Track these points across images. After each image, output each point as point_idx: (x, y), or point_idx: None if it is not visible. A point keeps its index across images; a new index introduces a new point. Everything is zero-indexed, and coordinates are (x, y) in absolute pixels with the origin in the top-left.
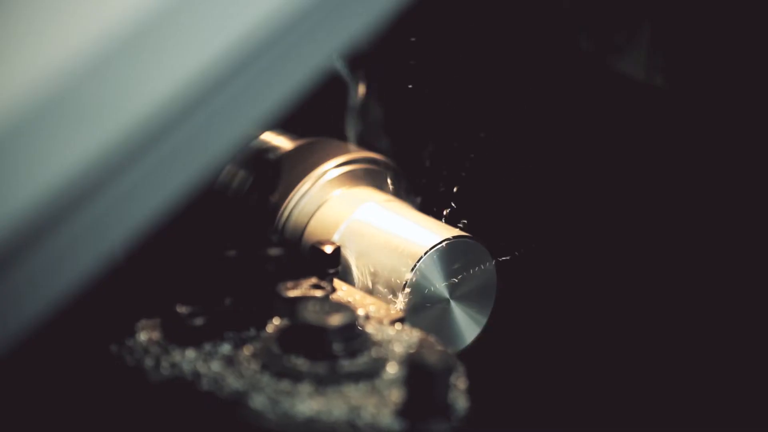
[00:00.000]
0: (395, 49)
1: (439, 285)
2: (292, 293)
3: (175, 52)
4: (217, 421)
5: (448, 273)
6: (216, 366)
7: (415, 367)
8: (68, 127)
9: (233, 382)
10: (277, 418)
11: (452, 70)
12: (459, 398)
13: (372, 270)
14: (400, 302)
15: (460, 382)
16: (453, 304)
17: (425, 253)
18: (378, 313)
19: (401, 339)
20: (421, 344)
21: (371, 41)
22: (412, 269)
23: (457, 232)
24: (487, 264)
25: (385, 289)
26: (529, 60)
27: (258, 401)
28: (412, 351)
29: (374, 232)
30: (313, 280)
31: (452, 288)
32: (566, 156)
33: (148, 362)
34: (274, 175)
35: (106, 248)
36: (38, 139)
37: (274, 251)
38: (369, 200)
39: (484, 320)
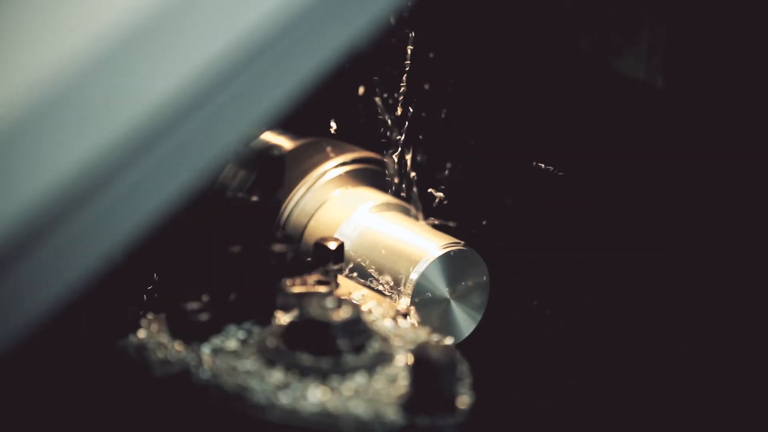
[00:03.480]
0: (395, 49)
1: (441, 287)
2: (297, 289)
3: (175, 52)
4: (222, 416)
5: (448, 276)
6: (221, 361)
7: (419, 361)
8: (68, 126)
9: (238, 377)
10: (281, 413)
11: (452, 69)
12: (462, 393)
13: (375, 270)
14: (405, 302)
15: (463, 378)
16: (452, 303)
17: (431, 261)
18: (382, 309)
19: (405, 334)
20: (425, 339)
21: (371, 41)
22: (419, 274)
23: (453, 240)
24: (482, 268)
25: (390, 290)
26: (529, 60)
27: (263, 396)
28: (416, 346)
29: (375, 233)
30: (317, 276)
31: (452, 289)
32: (566, 156)
33: (154, 357)
34: (275, 174)
35: (106, 248)
36: (39, 138)
37: (278, 247)
38: (369, 200)
39: (479, 316)
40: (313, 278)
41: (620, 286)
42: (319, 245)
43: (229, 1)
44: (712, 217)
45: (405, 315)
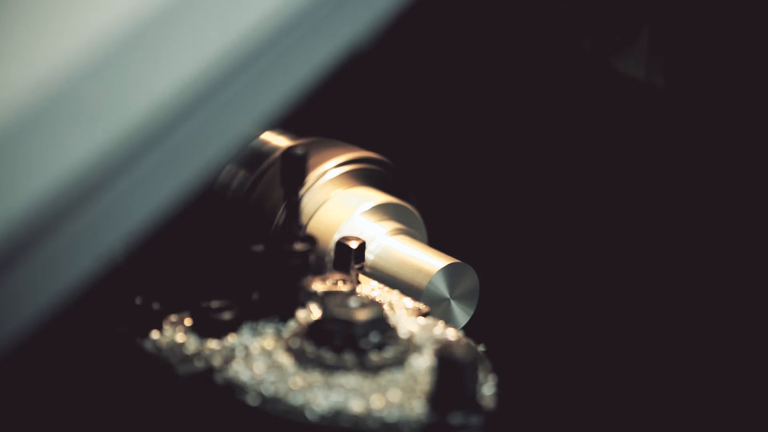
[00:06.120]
0: (395, 49)
1: (443, 290)
2: (319, 288)
3: (175, 52)
4: (245, 413)
5: (448, 282)
6: (244, 360)
7: (443, 359)
8: (68, 127)
9: (262, 375)
10: (305, 411)
11: (452, 69)
12: (487, 391)
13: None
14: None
15: (489, 377)
16: (452, 302)
17: (438, 270)
18: (404, 308)
19: (427, 332)
20: (448, 337)
21: (372, 41)
22: (429, 281)
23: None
24: (472, 276)
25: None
26: (530, 60)
27: (286, 395)
28: (439, 344)
29: (392, 250)
30: (339, 275)
31: (451, 292)
32: (566, 156)
33: (176, 356)
34: (297, 171)
35: (106, 248)
36: (38, 139)
37: (300, 246)
38: (369, 200)
39: (471, 311)
40: (334, 277)
41: (618, 286)
42: (341, 244)
43: (229, 1)
44: (712, 216)
45: (426, 314)
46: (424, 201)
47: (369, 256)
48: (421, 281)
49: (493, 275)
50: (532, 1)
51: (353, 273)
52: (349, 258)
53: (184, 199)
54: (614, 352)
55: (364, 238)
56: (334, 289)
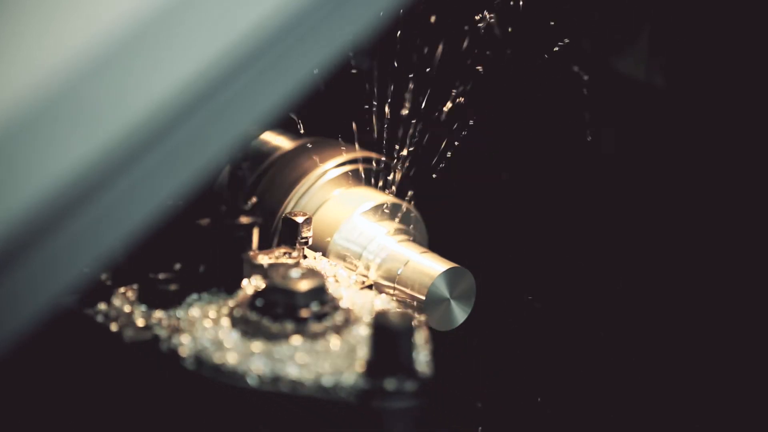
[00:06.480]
0: (394, 48)
1: (444, 290)
2: (263, 260)
3: (175, 52)
4: (189, 380)
5: (449, 284)
6: (189, 328)
7: (378, 327)
8: (68, 127)
9: (205, 343)
10: (246, 377)
11: (451, 69)
12: (423, 358)
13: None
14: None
15: (424, 343)
16: (451, 301)
17: (440, 273)
18: (347, 280)
19: (368, 303)
20: (386, 307)
21: (371, 40)
22: (432, 284)
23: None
24: (470, 279)
25: (356, 266)
26: (530, 60)
27: (229, 361)
28: (376, 313)
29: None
30: (284, 248)
31: (450, 292)
32: (565, 156)
33: (123, 324)
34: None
35: (106, 248)
36: (38, 139)
37: (245, 219)
38: (369, 200)
39: (469, 309)
40: (280, 250)
41: (615, 285)
42: (287, 219)
43: (229, 1)
44: (712, 216)
45: (370, 286)
46: (424, 201)
47: (368, 255)
48: (425, 285)
49: (491, 273)
50: (533, 1)
51: (299, 246)
52: (295, 232)
53: (184, 199)
54: (602, 349)
55: (364, 238)
56: (279, 261)
